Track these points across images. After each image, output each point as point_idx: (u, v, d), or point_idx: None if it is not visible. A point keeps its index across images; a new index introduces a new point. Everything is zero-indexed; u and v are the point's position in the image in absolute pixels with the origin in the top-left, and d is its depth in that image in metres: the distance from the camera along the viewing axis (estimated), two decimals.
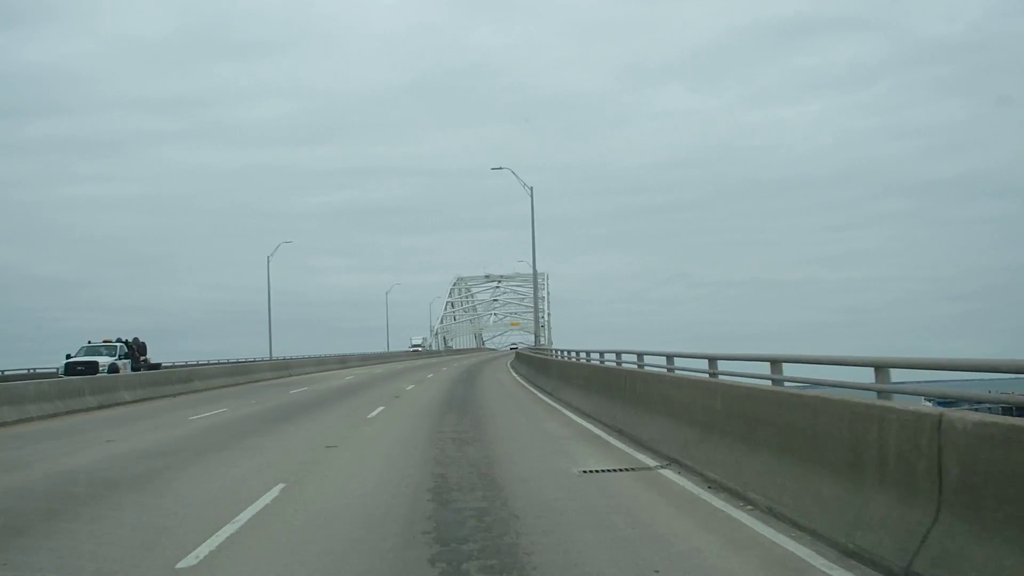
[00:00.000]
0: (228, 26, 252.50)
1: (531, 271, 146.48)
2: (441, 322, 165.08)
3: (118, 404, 26.04)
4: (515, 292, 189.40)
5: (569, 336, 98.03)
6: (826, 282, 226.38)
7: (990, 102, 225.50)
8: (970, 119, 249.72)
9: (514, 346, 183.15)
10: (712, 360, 13.34)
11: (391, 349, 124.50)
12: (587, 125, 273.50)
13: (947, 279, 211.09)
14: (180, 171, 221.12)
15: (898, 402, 6.72)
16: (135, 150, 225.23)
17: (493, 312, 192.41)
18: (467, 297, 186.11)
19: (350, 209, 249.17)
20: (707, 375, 13.08)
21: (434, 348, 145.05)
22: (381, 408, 21.65)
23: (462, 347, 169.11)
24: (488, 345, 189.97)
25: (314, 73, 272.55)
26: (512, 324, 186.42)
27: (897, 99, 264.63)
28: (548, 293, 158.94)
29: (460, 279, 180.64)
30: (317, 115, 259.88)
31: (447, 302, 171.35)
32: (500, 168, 49.91)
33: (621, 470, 10.43)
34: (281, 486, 9.83)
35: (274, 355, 63.54)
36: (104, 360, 35.41)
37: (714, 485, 8.84)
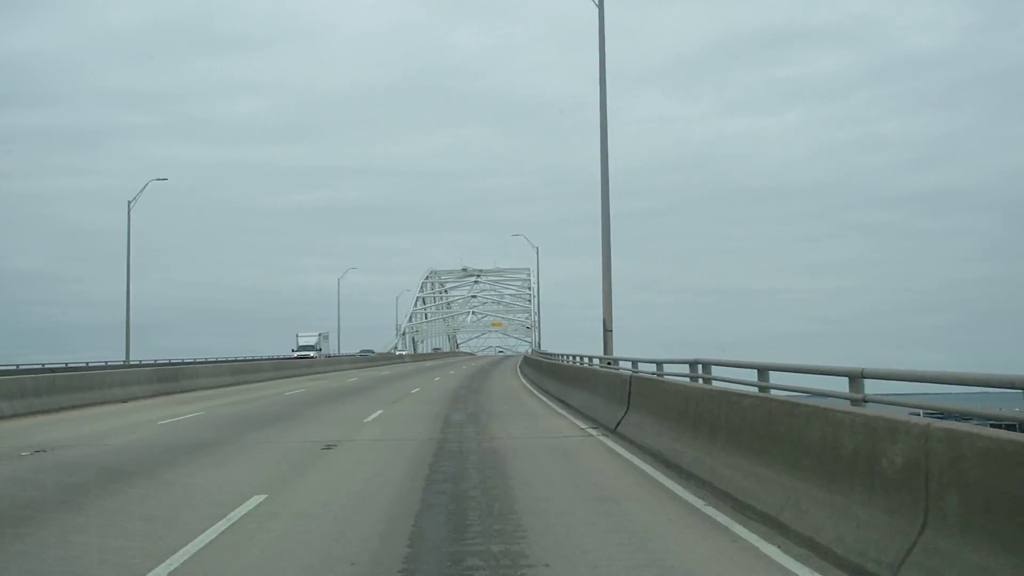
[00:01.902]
0: (207, 21, 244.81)
1: (515, 266, 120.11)
2: (410, 320, 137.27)
3: None
4: (495, 290, 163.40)
5: (551, 341, 77.08)
6: (801, 291, 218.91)
7: (967, 116, 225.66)
8: (947, 133, 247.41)
9: (500, 351, 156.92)
10: None
11: (342, 351, 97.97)
12: (565, 129, 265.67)
13: (922, 291, 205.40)
14: (156, 166, 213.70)
15: None
16: (111, 143, 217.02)
17: (471, 310, 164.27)
18: (441, 293, 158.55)
19: (326, 208, 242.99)
20: None
21: (400, 351, 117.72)
22: None
23: (430, 350, 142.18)
24: (463, 348, 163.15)
25: (293, 70, 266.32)
26: (493, 324, 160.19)
27: (874, 111, 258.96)
28: (537, 290, 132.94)
29: (433, 272, 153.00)
30: (295, 113, 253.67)
31: (417, 297, 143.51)
32: None
33: None
34: None
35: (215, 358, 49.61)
36: None
37: None
